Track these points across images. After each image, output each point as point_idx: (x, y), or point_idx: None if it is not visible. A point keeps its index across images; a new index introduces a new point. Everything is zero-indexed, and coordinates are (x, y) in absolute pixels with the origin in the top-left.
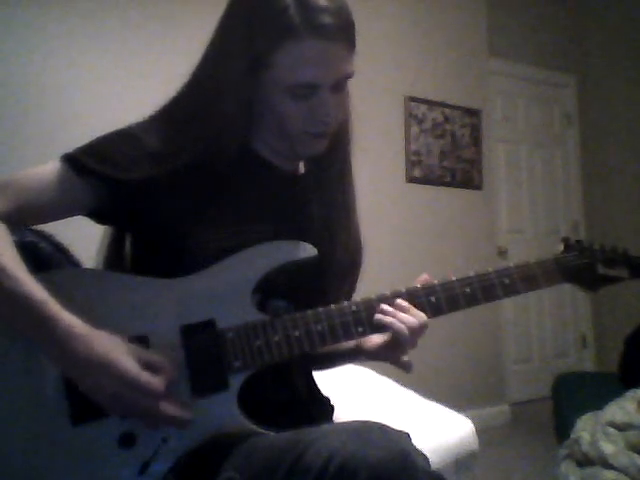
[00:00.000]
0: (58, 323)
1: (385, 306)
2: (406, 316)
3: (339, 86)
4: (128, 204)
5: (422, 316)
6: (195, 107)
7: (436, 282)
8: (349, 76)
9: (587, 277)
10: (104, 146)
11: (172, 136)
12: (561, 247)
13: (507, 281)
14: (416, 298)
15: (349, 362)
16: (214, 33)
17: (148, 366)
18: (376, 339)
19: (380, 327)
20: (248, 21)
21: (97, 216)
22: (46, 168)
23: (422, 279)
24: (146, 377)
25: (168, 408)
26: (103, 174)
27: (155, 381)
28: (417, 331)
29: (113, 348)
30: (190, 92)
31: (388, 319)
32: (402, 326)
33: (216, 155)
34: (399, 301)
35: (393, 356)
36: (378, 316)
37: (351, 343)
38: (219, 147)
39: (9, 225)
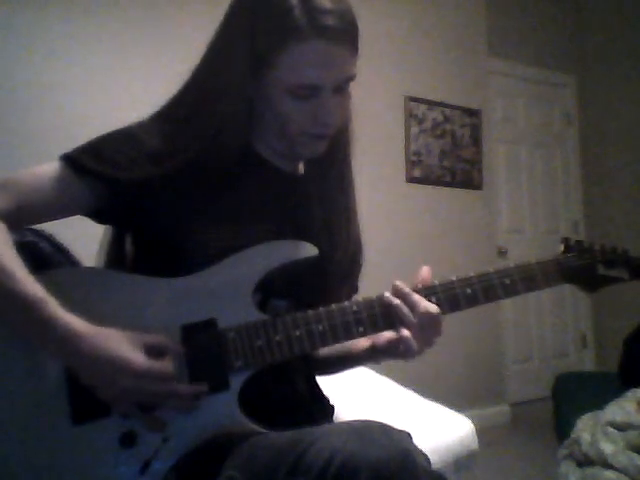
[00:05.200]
0: (58, 322)
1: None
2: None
3: (341, 88)
4: (128, 204)
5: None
6: (196, 106)
7: (436, 282)
8: (351, 78)
9: (587, 278)
10: (103, 146)
11: (172, 135)
12: (561, 248)
13: (508, 281)
14: None
15: (364, 363)
16: (216, 32)
17: (151, 350)
18: (387, 335)
19: (382, 323)
20: (252, 21)
21: (96, 216)
22: (46, 168)
23: (424, 271)
24: (156, 365)
25: (183, 387)
26: (102, 174)
27: (164, 365)
28: (426, 321)
29: (116, 342)
30: (191, 91)
31: (396, 301)
32: (407, 309)
33: (216, 154)
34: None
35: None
36: (387, 294)
37: (366, 344)
38: (219, 146)
39: (8, 224)
